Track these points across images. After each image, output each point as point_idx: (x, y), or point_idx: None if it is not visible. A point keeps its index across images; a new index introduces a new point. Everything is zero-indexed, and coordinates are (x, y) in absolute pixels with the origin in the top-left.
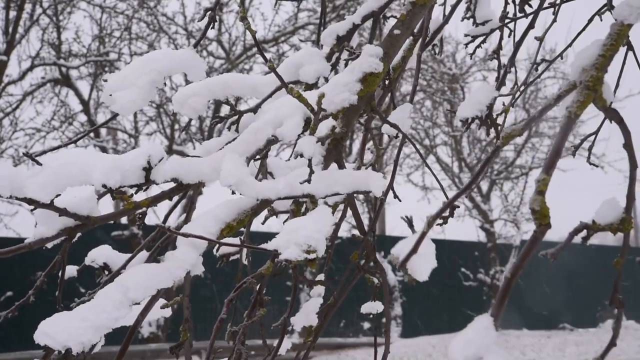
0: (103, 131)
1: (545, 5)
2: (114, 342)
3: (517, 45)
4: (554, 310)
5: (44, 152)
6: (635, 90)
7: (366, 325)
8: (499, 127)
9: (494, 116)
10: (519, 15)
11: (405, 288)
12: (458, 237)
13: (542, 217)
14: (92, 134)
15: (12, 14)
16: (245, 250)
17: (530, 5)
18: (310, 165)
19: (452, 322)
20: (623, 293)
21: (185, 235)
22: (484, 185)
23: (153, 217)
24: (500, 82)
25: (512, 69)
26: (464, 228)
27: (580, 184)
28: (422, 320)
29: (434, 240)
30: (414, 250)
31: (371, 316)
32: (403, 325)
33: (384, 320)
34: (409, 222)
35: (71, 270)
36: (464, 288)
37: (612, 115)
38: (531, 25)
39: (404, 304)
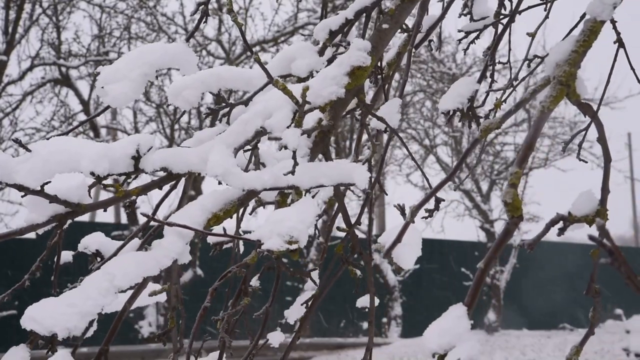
0: (103, 131)
1: (538, 2)
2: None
3: (497, 40)
4: (554, 310)
5: (35, 141)
6: (635, 90)
7: (366, 325)
8: (480, 120)
9: (476, 109)
10: (508, 12)
11: (405, 288)
12: (458, 237)
13: (514, 210)
14: (91, 133)
15: (12, 14)
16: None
17: (510, 1)
18: (294, 157)
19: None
20: (624, 293)
21: (170, 224)
22: (484, 185)
23: (150, 209)
24: (482, 75)
25: (506, 65)
26: (464, 228)
27: (580, 184)
28: (422, 320)
29: (434, 240)
30: (398, 239)
31: (366, 310)
32: (403, 325)
33: (384, 319)
34: (401, 210)
35: (67, 256)
36: (464, 288)
37: (586, 109)
38: (512, 19)
39: (404, 304)
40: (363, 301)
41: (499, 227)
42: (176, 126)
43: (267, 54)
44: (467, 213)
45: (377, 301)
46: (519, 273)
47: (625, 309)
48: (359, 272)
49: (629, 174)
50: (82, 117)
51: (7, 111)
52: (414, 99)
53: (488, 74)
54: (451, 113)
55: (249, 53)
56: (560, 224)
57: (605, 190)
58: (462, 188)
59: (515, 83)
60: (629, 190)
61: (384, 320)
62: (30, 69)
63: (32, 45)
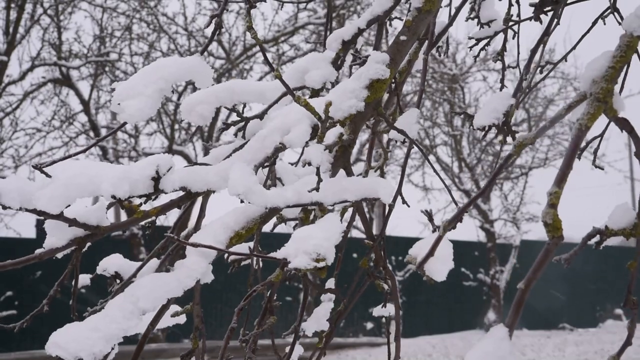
0: (103, 131)
1: (547, 8)
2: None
3: (533, 52)
4: (554, 310)
5: (53, 162)
6: (636, 90)
7: (367, 325)
8: (516, 134)
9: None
10: (522, 17)
11: (405, 288)
12: (458, 237)
13: (554, 230)
14: (92, 134)
15: (13, 14)
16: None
17: (545, 13)
18: (318, 174)
19: (452, 322)
20: (624, 293)
21: (194, 245)
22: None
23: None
24: (517, 89)
25: (514, 71)
26: (464, 228)
27: (580, 184)
28: (422, 320)
29: None
30: (431, 253)
31: (383, 319)
32: (403, 325)
33: (384, 319)
34: (429, 216)
35: (84, 279)
36: (464, 288)
37: (623, 124)
38: (547, 32)
39: (404, 304)
40: (379, 311)
41: (498, 227)
42: (176, 126)
43: (267, 54)
44: (467, 213)
45: (390, 307)
46: (519, 273)
47: (625, 309)
48: (386, 287)
49: (629, 174)
50: (82, 117)
51: (8, 111)
52: (414, 99)
53: (492, 77)
54: (487, 128)
55: (249, 53)
56: (597, 238)
57: None
58: (462, 188)
59: (527, 90)
60: (629, 190)
61: (384, 320)
62: (31, 69)
63: (33, 46)
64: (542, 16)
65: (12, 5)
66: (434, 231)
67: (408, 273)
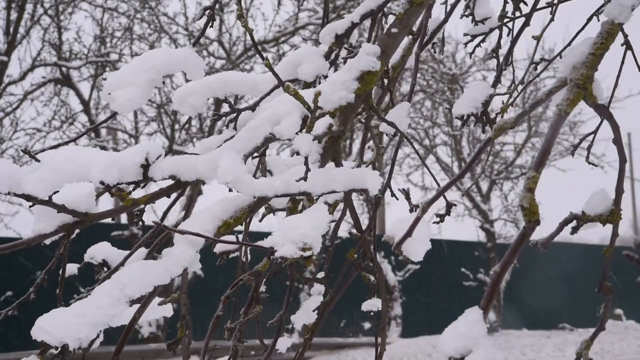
0: (103, 131)
1: (543, 5)
2: (112, 342)
3: (512, 44)
4: (554, 310)
5: (42, 150)
6: (635, 90)
7: (367, 325)
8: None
9: (490, 113)
10: (517, 14)
11: (405, 288)
12: (458, 237)
13: (531, 214)
14: (92, 134)
15: (14, 14)
16: (244, 248)
17: (525, 4)
18: (306, 163)
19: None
20: (624, 293)
21: (182, 232)
22: (484, 185)
23: (152, 215)
24: (496, 80)
25: (510, 68)
26: (464, 228)
27: (580, 184)
28: (422, 320)
29: (434, 240)
30: (409, 233)
31: (372, 313)
32: (403, 325)
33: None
34: (406, 195)
35: (72, 268)
36: (464, 288)
37: (602, 111)
38: (526, 23)
39: (404, 304)
40: (368, 305)
41: (498, 227)
42: (176, 126)
43: (268, 54)
44: (467, 213)
45: (379, 300)
46: (519, 273)
47: (625, 309)
48: (372, 278)
49: (629, 173)
50: (82, 117)
51: (8, 111)
52: (414, 98)
53: (492, 77)
54: (465, 118)
55: (249, 53)
56: (574, 223)
57: (619, 190)
58: (462, 188)
59: (521, 86)
60: (628, 190)
61: (372, 314)
62: (32, 69)
63: (33, 46)
64: (524, 8)
65: (13, 5)
66: (411, 211)
67: (408, 273)
